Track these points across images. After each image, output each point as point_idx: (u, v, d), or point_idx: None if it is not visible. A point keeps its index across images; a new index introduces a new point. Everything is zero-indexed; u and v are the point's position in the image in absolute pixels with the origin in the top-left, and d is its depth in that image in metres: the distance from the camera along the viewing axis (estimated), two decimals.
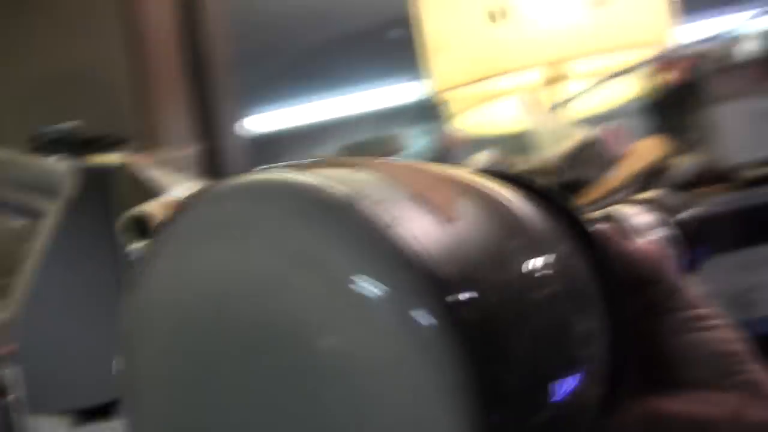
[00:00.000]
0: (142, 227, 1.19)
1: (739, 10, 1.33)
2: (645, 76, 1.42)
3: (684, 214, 0.50)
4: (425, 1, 1.73)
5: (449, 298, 0.30)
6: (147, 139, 1.63)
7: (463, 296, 0.31)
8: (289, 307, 0.32)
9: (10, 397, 1.20)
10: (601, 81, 1.52)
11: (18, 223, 0.89)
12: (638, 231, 0.47)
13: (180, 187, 1.26)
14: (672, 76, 1.30)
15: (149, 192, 1.27)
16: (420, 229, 0.32)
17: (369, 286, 0.30)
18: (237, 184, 0.34)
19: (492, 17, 1.57)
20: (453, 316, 0.30)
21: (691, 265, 0.49)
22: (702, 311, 0.43)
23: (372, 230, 0.31)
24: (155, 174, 1.27)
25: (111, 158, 1.22)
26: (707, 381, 0.41)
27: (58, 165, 0.92)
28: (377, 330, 0.30)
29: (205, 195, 0.35)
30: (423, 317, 0.30)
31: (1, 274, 0.87)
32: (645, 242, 0.47)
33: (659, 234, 0.48)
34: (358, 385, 0.31)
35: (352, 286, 0.31)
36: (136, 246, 1.18)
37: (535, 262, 0.35)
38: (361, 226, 0.31)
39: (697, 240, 0.49)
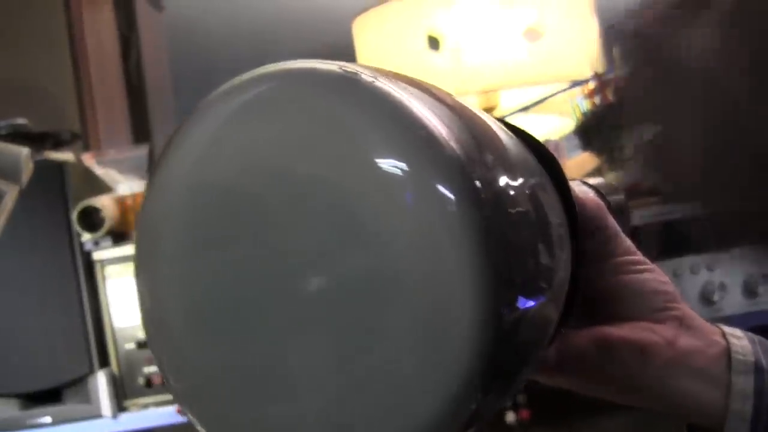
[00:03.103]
0: (93, 219, 1.21)
1: None
2: (575, 99, 1.48)
3: (613, 198, 0.55)
4: (363, 27, 1.78)
5: (474, 174, 0.32)
6: (92, 144, 1.66)
7: (483, 175, 0.32)
8: (323, 171, 0.33)
9: None
10: (527, 107, 1.57)
11: None
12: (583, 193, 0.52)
13: (127, 185, 1.29)
14: (600, 99, 1.37)
15: (100, 187, 1.29)
16: (434, 107, 0.33)
17: (395, 160, 0.32)
18: (265, 72, 0.35)
19: (431, 44, 1.63)
20: (476, 192, 0.32)
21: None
22: (638, 257, 0.48)
23: (396, 102, 0.32)
24: (105, 171, 1.29)
25: (63, 155, 1.25)
26: (643, 315, 0.46)
27: (17, 149, 0.94)
28: (403, 201, 0.32)
29: (231, 84, 0.36)
30: (448, 191, 0.32)
31: None
32: (591, 196, 0.52)
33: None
34: (384, 250, 0.32)
35: (380, 159, 0.32)
36: (87, 236, 1.20)
37: (525, 173, 0.37)
38: (385, 98, 0.33)
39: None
